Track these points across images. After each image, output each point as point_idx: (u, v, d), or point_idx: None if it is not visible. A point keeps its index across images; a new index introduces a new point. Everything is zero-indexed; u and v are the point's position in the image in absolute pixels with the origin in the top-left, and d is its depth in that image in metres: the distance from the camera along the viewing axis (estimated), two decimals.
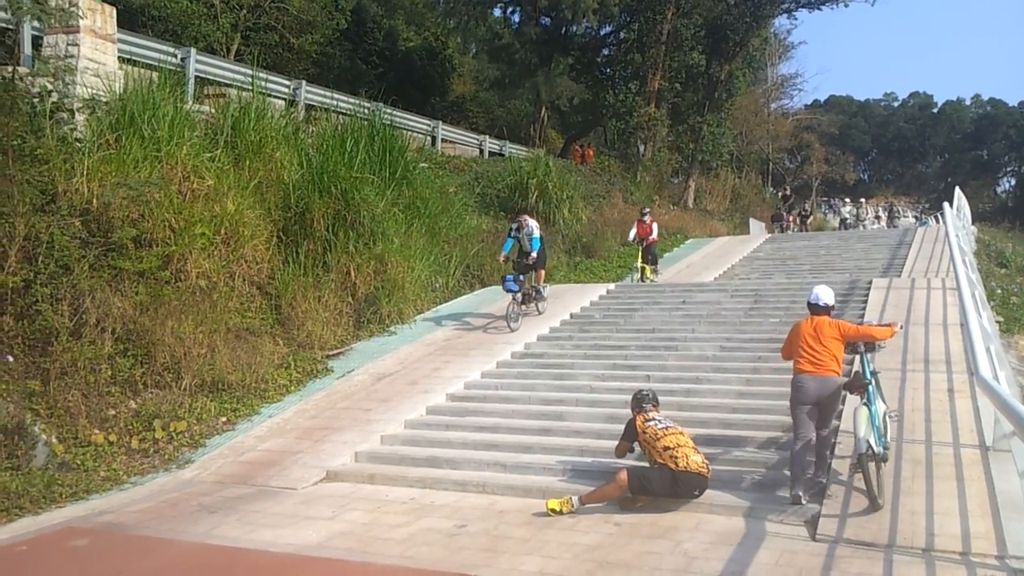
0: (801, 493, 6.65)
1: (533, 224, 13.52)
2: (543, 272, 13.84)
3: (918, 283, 13.50)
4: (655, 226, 17.88)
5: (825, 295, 7.36)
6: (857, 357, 7.45)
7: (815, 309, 7.34)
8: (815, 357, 7.01)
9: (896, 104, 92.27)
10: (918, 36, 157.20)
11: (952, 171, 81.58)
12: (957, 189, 24.34)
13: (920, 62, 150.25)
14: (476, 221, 18.63)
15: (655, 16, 32.24)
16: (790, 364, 7.35)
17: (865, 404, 6.81)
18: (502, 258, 13.60)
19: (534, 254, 13.25)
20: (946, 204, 18.12)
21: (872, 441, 6.47)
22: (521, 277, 13.19)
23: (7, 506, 7.14)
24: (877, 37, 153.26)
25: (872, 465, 6.39)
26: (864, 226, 34.79)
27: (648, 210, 18.53)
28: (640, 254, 17.61)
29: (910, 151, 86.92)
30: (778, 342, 10.87)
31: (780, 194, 37.77)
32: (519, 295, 13.04)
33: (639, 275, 17.19)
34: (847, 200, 36.99)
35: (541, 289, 13.72)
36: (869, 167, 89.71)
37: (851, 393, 7.22)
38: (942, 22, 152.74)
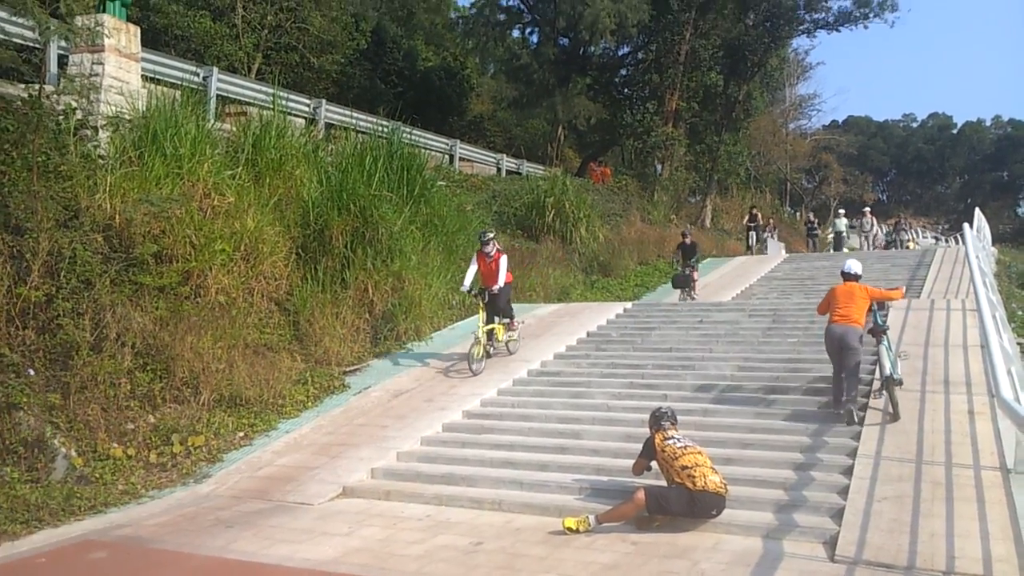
0: (843, 411, 8.60)
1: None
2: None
3: (937, 304, 13.40)
4: (503, 262, 12.08)
5: (856, 266, 9.61)
6: (875, 312, 9.38)
7: (847, 277, 9.51)
8: (845, 311, 9.05)
9: (915, 125, 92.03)
10: (938, 57, 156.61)
11: (972, 192, 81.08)
12: (977, 210, 24.20)
13: (940, 83, 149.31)
14: None
15: (673, 37, 32.32)
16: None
17: (883, 345, 8.99)
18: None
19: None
20: (966, 225, 18.01)
21: (892, 370, 8.60)
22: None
23: (27, 518, 7.19)
24: (896, 58, 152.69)
25: (894, 388, 8.48)
26: (872, 242, 32.39)
27: (492, 235, 12.39)
28: (481, 308, 12.10)
29: (929, 172, 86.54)
30: (796, 362, 10.99)
31: (805, 220, 37.27)
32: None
33: (478, 348, 11.63)
34: (841, 211, 35.01)
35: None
36: (888, 188, 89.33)
37: (872, 337, 9.18)
38: (962, 43, 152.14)
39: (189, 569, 6.27)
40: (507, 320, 12.40)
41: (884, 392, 8.74)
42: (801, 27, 33.98)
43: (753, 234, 29.27)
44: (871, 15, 32.53)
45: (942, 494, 6.83)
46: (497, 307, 12.09)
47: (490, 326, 12.07)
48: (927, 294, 17.08)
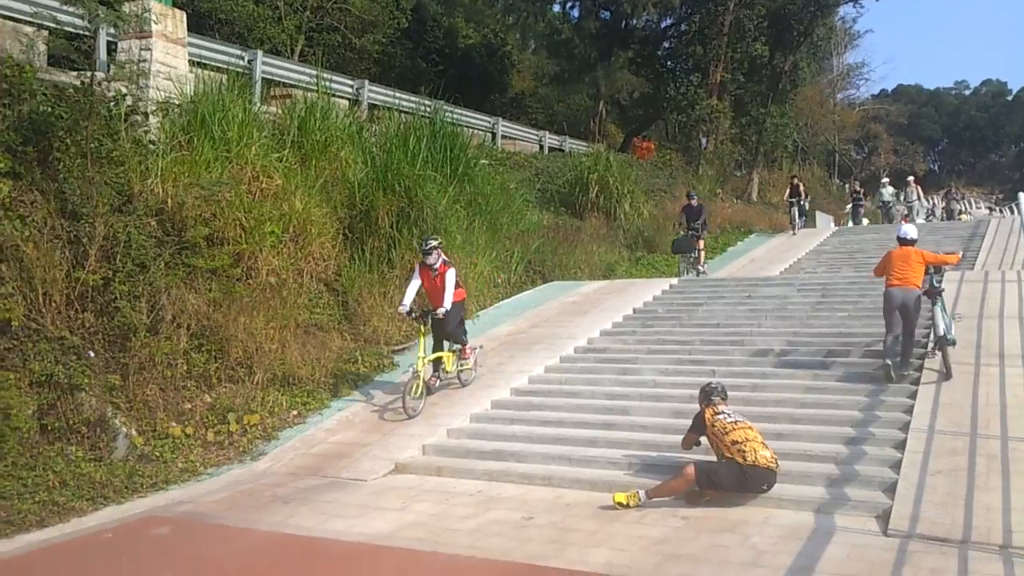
0: (893, 373, 8.92)
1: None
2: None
3: (992, 275, 13.13)
4: (451, 276, 9.88)
5: (911, 231, 9.91)
6: (931, 275, 9.53)
7: (903, 242, 9.75)
8: (902, 275, 9.32)
9: (968, 92, 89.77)
10: (991, 22, 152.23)
11: None
12: None
13: (993, 49, 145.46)
14: (537, 217, 18.70)
15: (717, 7, 31.82)
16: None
17: (939, 306, 9.18)
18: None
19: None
20: (1020, 194, 17.58)
21: (945, 330, 8.90)
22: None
23: (92, 495, 7.44)
24: (947, 24, 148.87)
25: (947, 348, 8.79)
26: (916, 213, 29.05)
27: (436, 242, 10.06)
28: (423, 333, 9.90)
29: (983, 140, 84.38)
30: (847, 335, 10.88)
31: (851, 190, 35.01)
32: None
33: (416, 384, 9.61)
34: (886, 180, 33.26)
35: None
36: (940, 157, 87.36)
37: (928, 298, 9.37)
38: (1015, 5, 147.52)
39: (249, 544, 6.44)
40: (458, 347, 10.45)
41: (938, 351, 9.01)
42: None
43: (795, 210, 25.17)
44: None
45: (998, 467, 6.74)
46: (444, 331, 10.12)
47: (436, 355, 10.10)
48: (981, 265, 16.74)
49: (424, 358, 9.76)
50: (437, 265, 9.96)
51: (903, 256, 9.52)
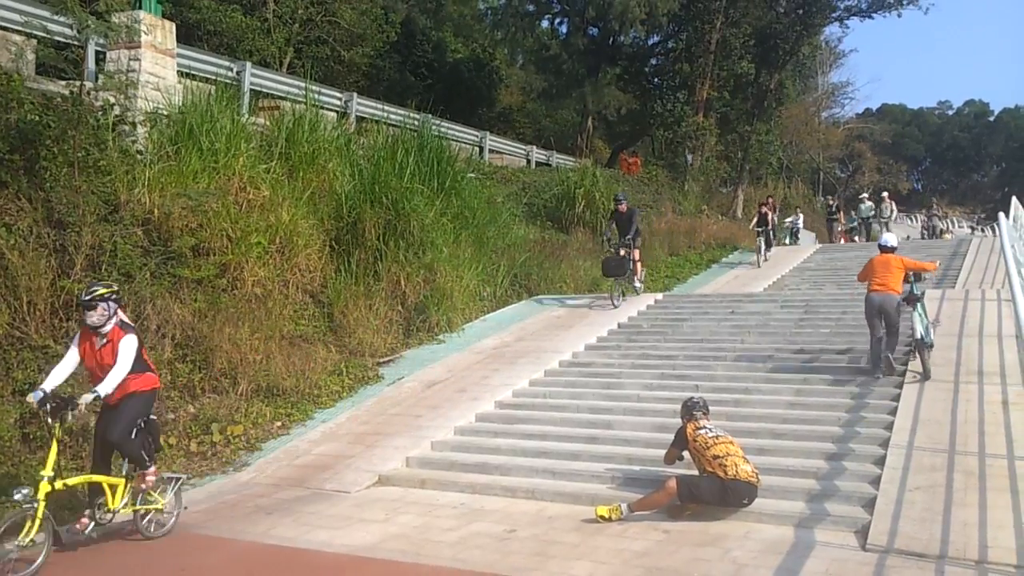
0: (880, 376, 9.55)
1: None
2: None
3: (972, 294, 13.29)
4: (126, 347, 6.36)
5: (892, 239, 10.47)
6: (912, 283, 9.99)
7: (884, 249, 10.22)
8: (883, 280, 9.76)
9: (951, 112, 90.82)
10: (973, 43, 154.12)
11: (1009, 180, 79.78)
12: (1014, 199, 23.81)
13: (975, 70, 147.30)
14: (523, 231, 18.76)
15: (704, 26, 32.16)
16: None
17: (916, 312, 9.70)
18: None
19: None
20: (1001, 214, 17.78)
21: (923, 334, 9.45)
22: None
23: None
24: (931, 45, 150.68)
25: (925, 351, 9.35)
26: (887, 226, 27.88)
27: (101, 291, 6.39)
28: (52, 442, 6.12)
29: (965, 160, 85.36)
30: (829, 352, 10.96)
31: (824, 206, 34.63)
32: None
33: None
34: (865, 196, 32.90)
35: None
36: (923, 176, 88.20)
37: (907, 304, 9.80)
38: (997, 29, 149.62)
39: (231, 554, 6.44)
40: (150, 468, 6.69)
41: (916, 354, 9.56)
42: (833, 14, 33.62)
43: (762, 240, 22.52)
44: (905, 2, 32.01)
45: (975, 484, 6.81)
46: (109, 438, 6.48)
47: (90, 477, 6.46)
48: (962, 284, 16.93)
49: (44, 482, 5.88)
50: (106, 328, 6.38)
51: (884, 263, 9.97)
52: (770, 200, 24.85)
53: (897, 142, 74.46)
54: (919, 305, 9.87)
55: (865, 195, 33.30)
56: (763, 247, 22.59)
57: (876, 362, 9.68)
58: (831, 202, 34.15)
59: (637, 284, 15.44)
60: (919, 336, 9.50)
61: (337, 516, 7.29)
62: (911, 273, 10.02)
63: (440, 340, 13.07)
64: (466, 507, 7.55)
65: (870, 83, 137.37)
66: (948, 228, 41.18)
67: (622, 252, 14.81)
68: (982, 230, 45.29)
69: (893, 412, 8.59)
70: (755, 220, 23.52)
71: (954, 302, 12.66)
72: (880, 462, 7.53)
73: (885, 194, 30.41)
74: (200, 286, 10.28)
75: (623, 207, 15.21)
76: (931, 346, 9.61)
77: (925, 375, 9.29)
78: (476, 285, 14.64)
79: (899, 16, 32.59)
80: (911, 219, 39.52)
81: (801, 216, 31.25)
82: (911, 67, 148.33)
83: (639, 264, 15.49)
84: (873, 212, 29.15)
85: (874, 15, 32.88)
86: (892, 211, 30.23)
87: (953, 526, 6.17)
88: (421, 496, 7.95)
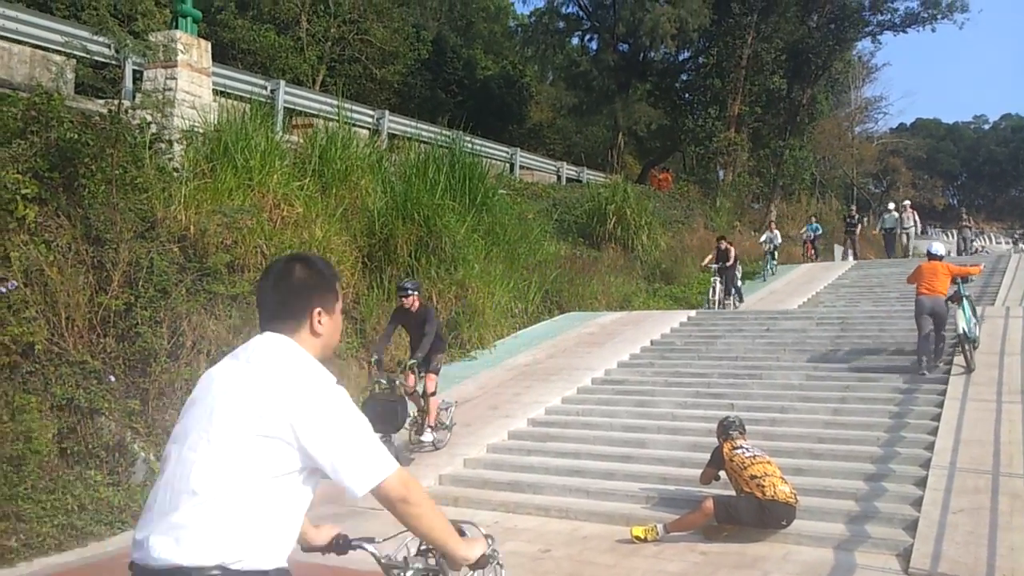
0: (926, 372, 10.10)
1: None
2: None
3: (1013, 312, 13.03)
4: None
5: (940, 248, 11.53)
6: (959, 283, 10.76)
7: (931, 257, 11.14)
8: (930, 284, 10.53)
9: (987, 127, 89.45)
10: (1010, 57, 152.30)
11: None
12: None
13: (1012, 83, 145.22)
14: (555, 247, 18.73)
15: (735, 41, 32.04)
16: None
17: (961, 309, 10.28)
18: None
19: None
20: None
21: (966, 329, 10.03)
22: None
23: (111, 520, 7.44)
24: (966, 59, 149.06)
25: (967, 345, 9.98)
26: (910, 239, 27.31)
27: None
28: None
29: (1002, 175, 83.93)
30: (867, 370, 10.80)
31: (845, 216, 32.72)
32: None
33: None
34: (891, 205, 30.63)
35: None
36: (959, 192, 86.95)
37: (953, 303, 10.51)
38: None
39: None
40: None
41: (961, 349, 10.18)
42: (866, 29, 33.36)
43: (717, 280, 18.05)
44: (939, 16, 31.71)
45: (1021, 506, 6.65)
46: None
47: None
48: (1001, 301, 16.60)
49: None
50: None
51: (931, 268, 10.79)
52: (723, 244, 18.73)
53: (932, 157, 73.49)
54: (965, 300, 10.54)
55: (892, 204, 31.97)
56: (717, 288, 17.97)
57: (922, 357, 10.26)
58: (853, 211, 33.31)
59: (427, 437, 9.19)
60: (962, 331, 10.05)
61: (371, 533, 7.24)
62: (957, 277, 10.77)
63: (472, 357, 13.06)
64: (499, 526, 7.49)
65: (904, 97, 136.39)
66: (983, 243, 40.11)
67: (406, 382, 9.01)
68: (1021, 246, 44.45)
69: (934, 432, 8.42)
70: (708, 257, 19.04)
71: (994, 320, 12.41)
72: (921, 483, 7.38)
73: (907, 203, 29.75)
74: (235, 302, 10.33)
75: (410, 301, 9.29)
76: (975, 341, 10.24)
77: (968, 368, 9.91)
78: (507, 301, 14.62)
79: (933, 31, 32.30)
80: (948, 235, 38.47)
81: (778, 232, 24.60)
82: (945, 81, 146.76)
83: (433, 400, 9.30)
84: (897, 223, 28.43)
85: (907, 30, 32.60)
86: (915, 222, 29.48)
87: (999, 550, 6.02)
88: (454, 514, 7.83)
